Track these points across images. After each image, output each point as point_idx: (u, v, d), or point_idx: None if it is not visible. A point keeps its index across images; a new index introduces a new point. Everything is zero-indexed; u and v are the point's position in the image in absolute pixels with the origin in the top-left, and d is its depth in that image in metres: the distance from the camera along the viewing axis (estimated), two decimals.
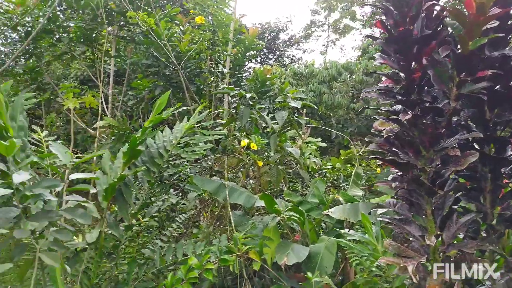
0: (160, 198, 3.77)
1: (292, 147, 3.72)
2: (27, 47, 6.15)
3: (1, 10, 5.75)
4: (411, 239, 1.67)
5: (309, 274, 2.57)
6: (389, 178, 1.76)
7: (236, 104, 3.94)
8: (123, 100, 6.90)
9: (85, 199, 1.79)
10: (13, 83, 6.54)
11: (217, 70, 4.78)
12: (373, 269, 2.40)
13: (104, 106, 6.42)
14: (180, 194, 4.91)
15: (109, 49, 6.69)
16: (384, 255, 2.22)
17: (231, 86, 3.69)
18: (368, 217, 2.44)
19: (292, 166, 4.33)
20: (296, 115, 3.78)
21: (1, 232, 1.11)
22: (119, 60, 6.99)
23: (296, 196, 3.18)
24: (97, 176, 1.57)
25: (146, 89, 6.40)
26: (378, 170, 4.74)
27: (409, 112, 1.59)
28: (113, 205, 3.72)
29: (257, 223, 3.12)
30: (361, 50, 13.74)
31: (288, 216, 2.90)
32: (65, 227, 1.60)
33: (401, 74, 1.67)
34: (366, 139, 1.72)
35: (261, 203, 3.10)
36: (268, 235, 2.97)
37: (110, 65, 6.79)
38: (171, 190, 4.45)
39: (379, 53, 1.71)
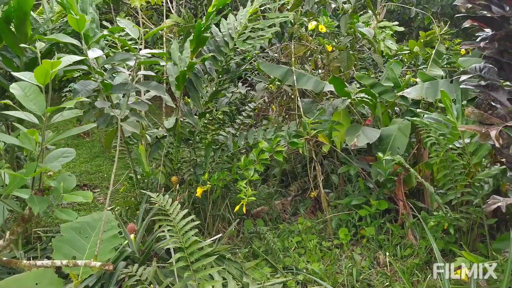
0: (229, 90, 3.84)
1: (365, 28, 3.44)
2: None
3: None
4: (497, 105, 1.52)
5: (380, 154, 2.55)
6: (478, 39, 1.56)
7: None
8: None
9: (155, 74, 1.85)
10: None
11: None
12: (450, 146, 2.30)
13: (170, 5, 6.37)
14: (249, 88, 4.95)
15: None
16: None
17: None
18: (448, 94, 2.26)
19: (364, 51, 4.06)
20: None
21: (83, 100, 1.21)
22: None
23: (369, 78, 3.02)
24: (165, 53, 1.59)
25: None
26: (462, 51, 4.27)
27: None
28: (186, 97, 3.88)
29: (326, 107, 3.08)
30: None
31: (359, 99, 2.80)
32: (141, 100, 1.70)
33: None
34: None
35: (330, 88, 3.01)
36: (337, 119, 2.94)
37: None
38: (240, 84, 4.50)
39: None
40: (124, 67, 1.80)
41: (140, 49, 1.60)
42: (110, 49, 3.05)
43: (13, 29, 2.47)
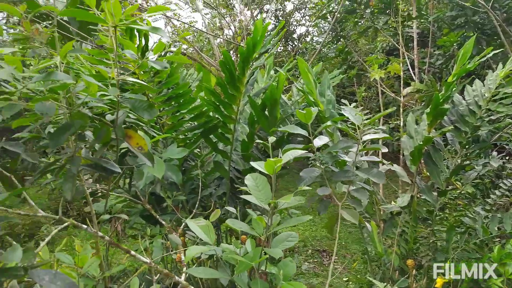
0: (479, 163, 3.31)
1: None
2: (336, 32, 6.81)
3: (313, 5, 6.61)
4: None
5: None
6: None
7: None
8: (429, 62, 6.51)
9: (380, 159, 1.80)
10: (328, 67, 7.45)
11: None
12: None
13: (411, 71, 6.28)
14: (507, 157, 4.16)
15: (409, 12, 6.47)
16: None
17: None
18: None
19: None
20: None
21: (306, 188, 1.28)
22: (422, 20, 6.63)
23: None
24: (389, 136, 1.54)
25: (454, 44, 5.77)
26: None
27: None
28: (424, 170, 3.59)
29: None
30: None
31: None
32: (363, 187, 1.66)
33: None
34: None
35: None
36: None
37: (412, 28, 6.56)
38: (494, 153, 3.83)
39: None
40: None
41: (363, 135, 1.61)
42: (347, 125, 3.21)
43: (266, 113, 2.96)
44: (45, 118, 1.08)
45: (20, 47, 1.13)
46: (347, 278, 4.28)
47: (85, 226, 1.23)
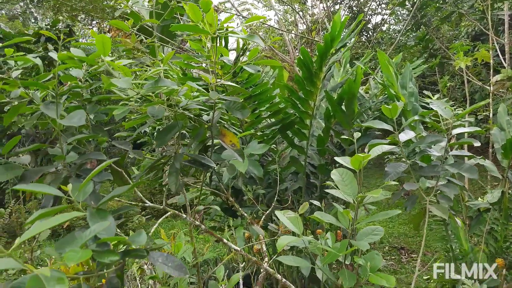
0: None
1: None
2: (415, 19, 6.47)
3: None
4: None
5: None
6: None
7: None
8: None
9: (470, 154, 1.72)
10: (407, 56, 7.09)
11: None
12: None
13: (501, 57, 5.78)
14: None
15: None
16: None
17: None
18: None
19: None
20: None
21: (393, 183, 1.29)
22: None
23: None
24: (480, 130, 1.46)
25: None
26: None
27: None
28: None
29: None
30: None
31: None
32: (452, 182, 1.61)
33: None
34: None
35: None
36: None
37: (503, 10, 6.01)
38: None
39: None
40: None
41: (452, 128, 1.55)
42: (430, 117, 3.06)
43: (343, 107, 2.95)
44: (152, 119, 1.23)
45: (131, 57, 1.29)
46: (428, 276, 4.12)
47: (184, 216, 1.38)
